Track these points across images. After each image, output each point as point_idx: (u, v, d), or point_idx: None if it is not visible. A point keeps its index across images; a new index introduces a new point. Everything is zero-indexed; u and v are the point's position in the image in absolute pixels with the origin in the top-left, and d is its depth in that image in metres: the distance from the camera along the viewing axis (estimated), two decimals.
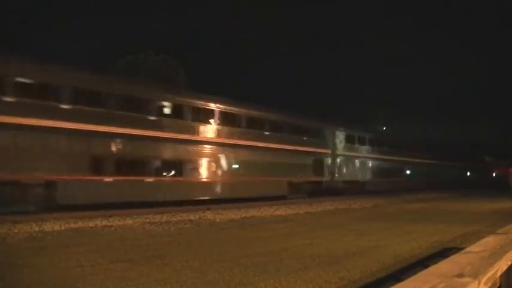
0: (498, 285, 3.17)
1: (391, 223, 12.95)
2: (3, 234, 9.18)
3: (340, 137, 27.06)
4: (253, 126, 20.75)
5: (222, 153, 18.98)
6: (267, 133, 21.39)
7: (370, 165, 30.67)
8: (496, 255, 3.14)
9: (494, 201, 24.07)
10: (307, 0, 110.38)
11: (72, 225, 10.75)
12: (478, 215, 16.02)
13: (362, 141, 29.81)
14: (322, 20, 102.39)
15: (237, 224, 12.28)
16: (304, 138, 23.92)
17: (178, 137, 17.07)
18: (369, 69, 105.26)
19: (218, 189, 18.84)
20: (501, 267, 3.07)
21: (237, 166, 19.66)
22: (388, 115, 56.66)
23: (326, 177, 25.49)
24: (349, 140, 28.02)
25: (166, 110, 17.24)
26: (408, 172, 36.61)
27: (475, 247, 3.53)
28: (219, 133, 19.05)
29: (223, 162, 19.07)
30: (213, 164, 18.65)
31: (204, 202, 17.54)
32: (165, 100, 17.35)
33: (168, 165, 17.04)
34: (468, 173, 52.00)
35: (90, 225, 10.98)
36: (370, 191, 28.38)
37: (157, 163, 16.66)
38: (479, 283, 2.45)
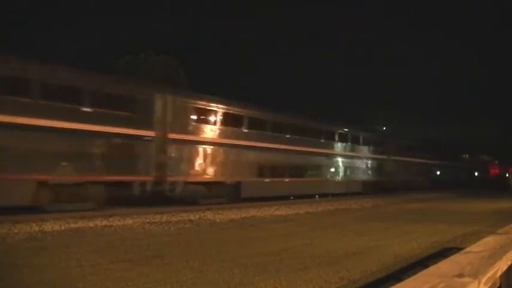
0: (498, 285, 3.17)
1: (391, 223, 12.96)
2: (3, 234, 9.17)
3: (183, 112, 16.74)
4: None
5: None
6: None
7: (251, 158, 19.50)
8: (496, 255, 3.15)
9: (494, 201, 24.07)
10: (307, 0, 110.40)
11: (72, 225, 10.74)
12: (478, 215, 16.03)
13: (235, 121, 19.03)
14: (322, 20, 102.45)
15: (237, 224, 12.28)
16: (88, 110, 13.61)
17: None
18: (369, 69, 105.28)
19: None
20: (501, 267, 3.07)
21: None
22: (388, 115, 56.55)
23: (144, 176, 15.22)
24: (203, 118, 17.64)
25: None
26: (333, 170, 26.12)
27: (475, 247, 3.53)
28: None
29: None
30: None
31: None
32: None
33: None
34: (438, 172, 43.82)
35: (90, 225, 10.98)
36: (248, 198, 18.71)
37: None
38: (479, 283, 2.45)
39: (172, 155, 16.21)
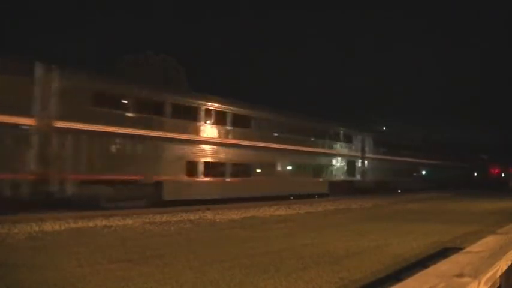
0: (498, 285, 3.17)
1: (391, 223, 12.96)
2: (3, 234, 9.18)
3: (79, 96, 13.58)
4: None
5: None
6: None
7: (177, 152, 16.13)
8: (496, 255, 3.15)
9: (494, 201, 24.07)
10: (307, 0, 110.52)
11: (72, 225, 10.75)
12: (478, 215, 16.03)
13: (154, 108, 15.71)
14: (322, 20, 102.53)
15: (237, 224, 12.28)
16: None
17: None
18: (368, 69, 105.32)
19: None
20: (501, 267, 3.08)
21: None
22: (389, 115, 56.39)
23: (20, 173, 12.12)
24: (107, 103, 14.44)
25: None
26: (290, 168, 22.19)
27: (475, 247, 3.53)
28: None
29: None
30: None
31: None
32: None
33: None
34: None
35: (90, 225, 10.98)
36: (173, 200, 15.76)
37: None
38: (479, 283, 2.46)
39: (63, 148, 13.07)
